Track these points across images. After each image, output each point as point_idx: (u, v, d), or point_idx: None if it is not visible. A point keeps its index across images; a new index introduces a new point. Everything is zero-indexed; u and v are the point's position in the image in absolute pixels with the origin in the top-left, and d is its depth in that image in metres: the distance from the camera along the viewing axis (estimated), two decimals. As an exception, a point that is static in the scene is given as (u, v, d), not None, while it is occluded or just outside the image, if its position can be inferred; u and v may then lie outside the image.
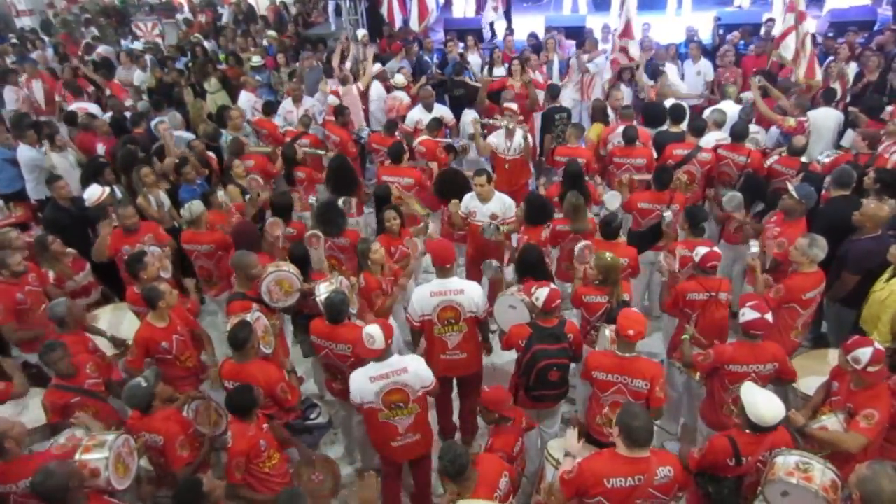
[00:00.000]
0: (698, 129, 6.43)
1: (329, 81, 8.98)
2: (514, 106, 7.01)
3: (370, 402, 3.77)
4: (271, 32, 12.31)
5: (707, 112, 7.07)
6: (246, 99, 8.75)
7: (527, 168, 7.06)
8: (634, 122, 6.91)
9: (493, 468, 3.22)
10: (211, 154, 7.13)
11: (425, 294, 4.36)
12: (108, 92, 9.60)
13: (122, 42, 13.96)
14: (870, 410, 3.39)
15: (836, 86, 7.67)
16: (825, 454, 3.31)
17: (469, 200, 5.63)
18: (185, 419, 3.86)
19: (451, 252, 4.46)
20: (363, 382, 3.75)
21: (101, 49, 12.90)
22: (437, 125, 7.21)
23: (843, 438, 3.40)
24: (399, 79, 8.58)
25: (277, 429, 3.99)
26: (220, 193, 5.88)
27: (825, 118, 6.85)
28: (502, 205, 5.55)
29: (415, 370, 3.76)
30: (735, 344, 3.90)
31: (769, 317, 3.77)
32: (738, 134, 6.14)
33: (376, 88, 8.95)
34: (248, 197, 6.12)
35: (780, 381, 3.93)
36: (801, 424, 3.52)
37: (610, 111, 7.53)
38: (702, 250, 4.42)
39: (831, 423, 3.50)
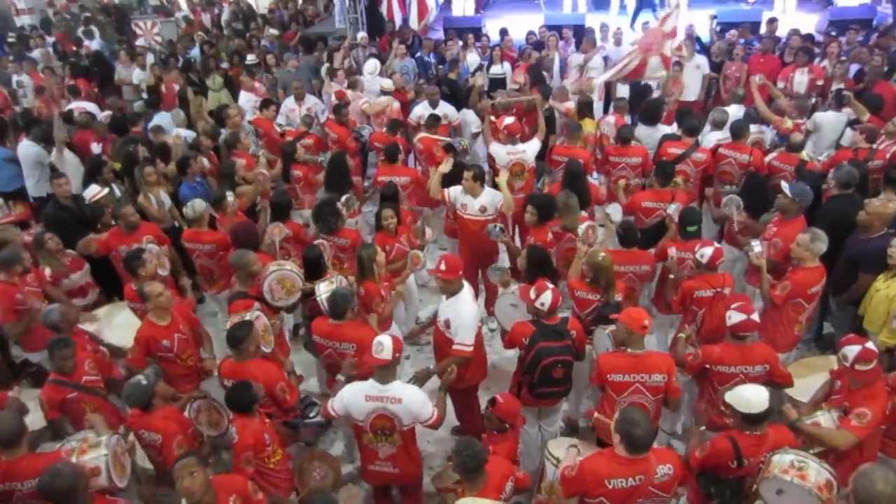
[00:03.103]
0: (692, 129, 6.42)
1: (333, 83, 8.97)
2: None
3: (360, 421, 3.68)
4: (273, 31, 12.29)
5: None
6: (246, 99, 8.73)
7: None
8: (627, 117, 6.97)
9: (502, 472, 3.23)
10: (211, 153, 7.13)
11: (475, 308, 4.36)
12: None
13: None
14: (862, 409, 3.41)
15: (841, 85, 7.65)
16: (817, 451, 3.34)
17: (461, 194, 5.69)
18: (185, 419, 3.87)
19: (460, 264, 4.41)
20: (358, 399, 3.64)
21: (92, 45, 12.93)
22: (434, 122, 7.20)
23: (833, 435, 3.42)
24: (387, 83, 8.53)
25: (277, 426, 4.00)
26: (230, 196, 5.86)
27: (833, 122, 6.80)
28: (491, 198, 5.64)
29: (409, 403, 3.57)
30: (723, 345, 3.90)
31: (755, 317, 3.79)
32: (738, 132, 6.12)
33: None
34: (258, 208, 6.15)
35: (773, 384, 3.86)
36: (794, 419, 3.53)
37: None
38: (707, 251, 4.41)
39: (824, 419, 3.52)
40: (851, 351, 3.42)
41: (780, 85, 8.08)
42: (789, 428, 3.44)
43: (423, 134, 7.12)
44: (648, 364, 3.71)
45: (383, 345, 3.54)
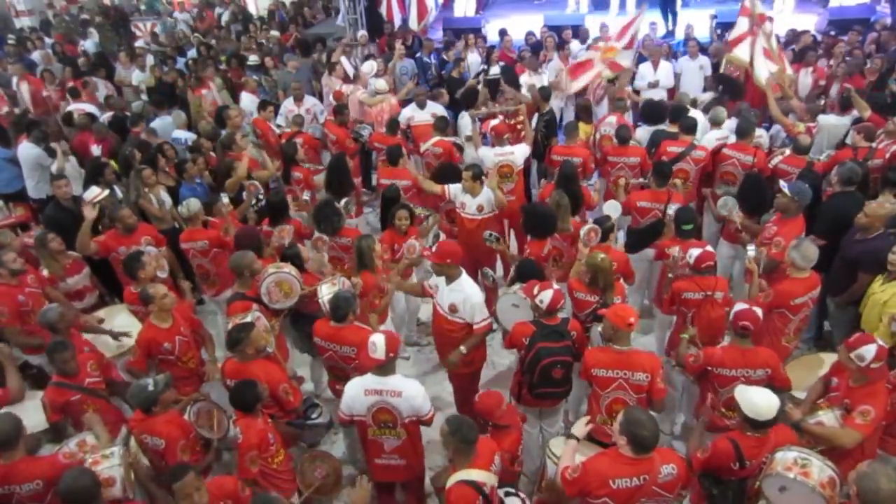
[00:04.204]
0: (689, 127, 6.42)
1: (333, 80, 8.97)
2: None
3: (361, 415, 3.72)
4: (274, 33, 12.29)
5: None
6: (250, 101, 8.74)
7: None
8: (626, 118, 6.98)
9: (489, 447, 3.29)
10: (211, 154, 7.13)
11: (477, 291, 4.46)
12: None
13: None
14: (866, 407, 3.41)
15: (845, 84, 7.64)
16: (821, 450, 3.33)
17: (460, 192, 5.75)
18: (187, 423, 3.85)
19: (459, 250, 4.49)
20: (357, 393, 3.70)
21: (85, 45, 12.94)
22: (444, 124, 7.22)
23: (838, 434, 3.42)
24: (381, 84, 8.53)
25: (280, 427, 4.00)
26: (223, 200, 5.85)
27: (834, 125, 6.76)
28: (489, 198, 5.71)
29: (409, 397, 3.63)
30: (725, 347, 3.91)
31: (758, 310, 3.80)
32: (744, 131, 6.08)
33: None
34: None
35: (773, 389, 3.80)
36: (798, 419, 3.53)
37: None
38: (695, 252, 4.40)
39: (827, 418, 3.51)
40: (869, 351, 3.40)
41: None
42: (793, 428, 3.44)
43: (437, 137, 7.10)
44: (632, 362, 3.73)
45: (376, 344, 3.59)
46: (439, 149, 7.00)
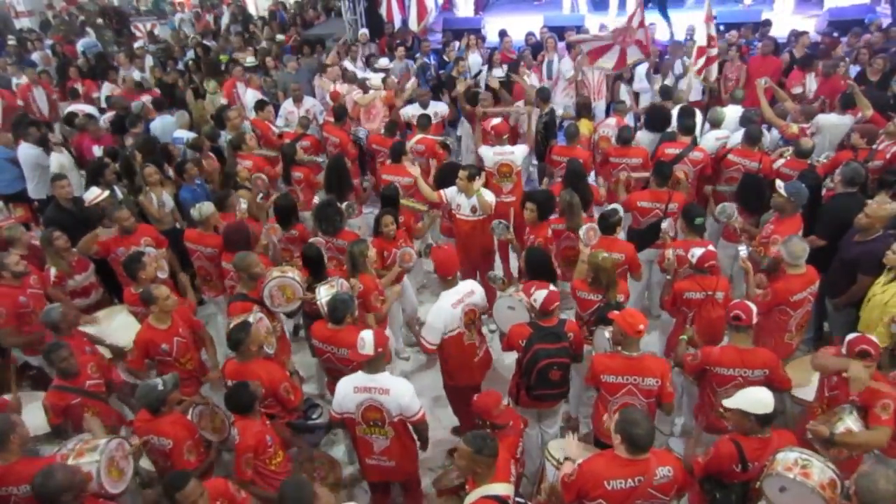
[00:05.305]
0: (687, 127, 6.40)
1: (325, 81, 8.97)
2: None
3: (350, 412, 3.73)
4: (280, 36, 12.30)
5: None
6: (252, 96, 8.75)
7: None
8: (627, 120, 6.97)
9: (504, 457, 3.27)
10: (210, 154, 7.13)
11: (444, 310, 4.35)
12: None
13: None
14: (884, 400, 3.40)
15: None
16: (851, 457, 3.33)
17: (455, 194, 5.74)
18: (193, 424, 3.86)
19: (454, 261, 4.47)
20: (347, 391, 3.70)
21: (78, 44, 12.94)
22: (427, 122, 7.24)
23: (873, 436, 3.38)
24: (375, 80, 8.55)
25: (279, 428, 4.00)
26: (243, 203, 5.84)
27: (835, 125, 6.71)
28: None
29: (397, 395, 3.62)
30: (723, 347, 3.92)
31: (751, 303, 3.83)
32: (752, 139, 6.03)
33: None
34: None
35: (772, 389, 3.76)
36: (828, 434, 3.42)
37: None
38: (697, 251, 4.41)
39: (851, 422, 3.43)
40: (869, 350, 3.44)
41: (798, 90, 8.01)
42: (823, 444, 3.40)
43: (420, 135, 7.11)
44: (642, 367, 3.72)
45: (365, 340, 3.61)
46: (422, 146, 6.99)
